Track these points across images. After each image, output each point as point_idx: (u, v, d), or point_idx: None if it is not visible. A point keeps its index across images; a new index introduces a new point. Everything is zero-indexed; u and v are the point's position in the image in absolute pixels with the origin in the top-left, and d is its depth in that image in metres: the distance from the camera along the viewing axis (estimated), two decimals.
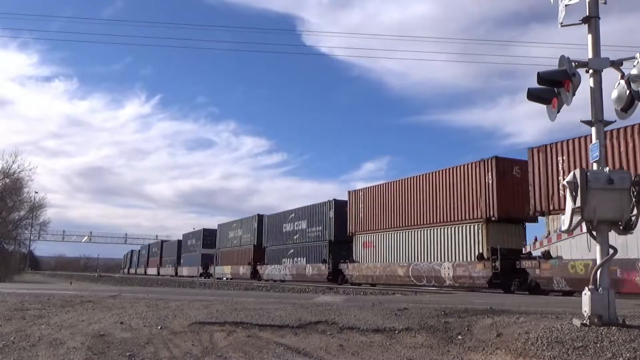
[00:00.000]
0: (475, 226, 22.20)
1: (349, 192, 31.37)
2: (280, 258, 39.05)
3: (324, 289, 24.90)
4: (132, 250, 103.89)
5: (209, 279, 42.33)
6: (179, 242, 68.07)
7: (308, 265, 35.20)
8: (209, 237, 56.79)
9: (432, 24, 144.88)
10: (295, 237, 37.43)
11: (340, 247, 32.08)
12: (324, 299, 12.05)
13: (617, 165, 15.84)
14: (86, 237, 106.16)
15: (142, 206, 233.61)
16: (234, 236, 48.58)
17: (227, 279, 45.11)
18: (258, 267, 41.63)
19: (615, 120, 6.69)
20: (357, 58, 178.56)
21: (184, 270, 61.65)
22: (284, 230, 38.93)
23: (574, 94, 6.59)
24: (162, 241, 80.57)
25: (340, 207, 32.53)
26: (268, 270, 40.25)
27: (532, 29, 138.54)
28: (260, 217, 43.64)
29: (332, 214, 33.25)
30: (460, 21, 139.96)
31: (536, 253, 18.99)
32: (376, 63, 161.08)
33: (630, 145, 16.08)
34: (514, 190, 21.29)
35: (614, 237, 6.47)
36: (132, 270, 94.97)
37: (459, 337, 6.46)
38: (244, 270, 44.30)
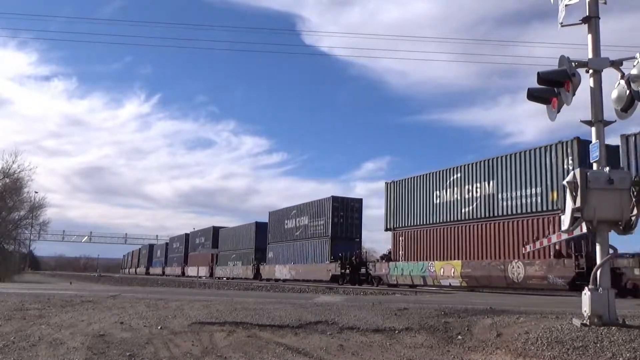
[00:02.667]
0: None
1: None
2: None
3: (323, 289, 24.67)
4: (151, 245, 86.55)
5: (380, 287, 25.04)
6: (259, 225, 43.72)
7: None
8: (342, 209, 33.52)
9: (432, 23, 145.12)
10: None
11: None
12: (324, 299, 12.05)
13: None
14: (86, 237, 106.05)
15: (142, 206, 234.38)
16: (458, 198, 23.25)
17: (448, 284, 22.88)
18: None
19: (615, 120, 6.69)
20: (357, 57, 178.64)
21: (283, 271, 37.60)
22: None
23: (574, 94, 6.59)
24: (216, 227, 54.78)
25: None
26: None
27: (533, 28, 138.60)
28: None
29: None
30: (460, 20, 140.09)
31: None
32: (376, 62, 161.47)
33: None
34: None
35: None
36: (157, 271, 73.37)
37: (459, 337, 6.47)
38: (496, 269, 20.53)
